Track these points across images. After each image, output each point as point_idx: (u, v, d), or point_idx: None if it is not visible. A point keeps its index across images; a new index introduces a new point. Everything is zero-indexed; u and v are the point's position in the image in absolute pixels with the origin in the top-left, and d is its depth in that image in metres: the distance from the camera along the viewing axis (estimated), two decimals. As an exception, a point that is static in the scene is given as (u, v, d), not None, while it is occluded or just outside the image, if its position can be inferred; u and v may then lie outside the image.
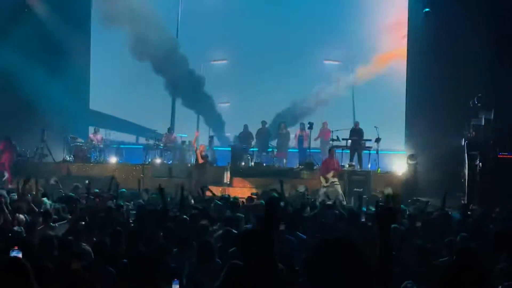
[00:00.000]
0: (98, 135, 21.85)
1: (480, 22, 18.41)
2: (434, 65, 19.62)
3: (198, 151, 18.68)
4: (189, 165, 20.26)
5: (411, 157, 18.43)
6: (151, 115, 22.76)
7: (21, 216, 8.85)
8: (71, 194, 12.96)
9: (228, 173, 19.48)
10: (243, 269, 4.83)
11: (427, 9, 19.78)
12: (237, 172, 19.63)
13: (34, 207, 9.94)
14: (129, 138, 22.02)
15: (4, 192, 12.03)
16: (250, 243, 4.79)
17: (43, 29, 21.79)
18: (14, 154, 19.68)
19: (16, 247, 5.95)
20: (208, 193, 13.73)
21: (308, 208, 10.96)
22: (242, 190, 17.09)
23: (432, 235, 8.88)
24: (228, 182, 19.23)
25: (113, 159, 20.98)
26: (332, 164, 17.01)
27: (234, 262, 5.33)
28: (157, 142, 21.01)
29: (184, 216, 9.25)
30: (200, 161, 18.56)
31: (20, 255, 5.47)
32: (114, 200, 11.56)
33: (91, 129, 22.49)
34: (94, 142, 21.66)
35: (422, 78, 20.22)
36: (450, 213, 11.43)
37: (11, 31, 21.14)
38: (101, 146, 21.64)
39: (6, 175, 19.01)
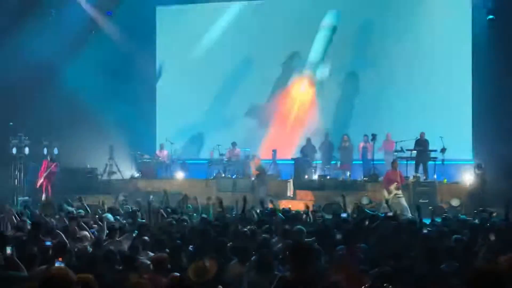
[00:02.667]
0: (164, 151, 22.31)
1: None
2: (500, 72, 19.26)
3: (252, 165, 19.57)
4: (253, 179, 20.42)
5: (478, 167, 18.05)
6: (216, 129, 23.03)
7: (85, 232, 9.15)
8: (135, 209, 13.29)
9: (292, 186, 19.56)
10: (291, 281, 4.92)
11: (491, 16, 19.41)
12: (300, 185, 19.67)
13: (100, 222, 10.27)
14: (193, 153, 22.31)
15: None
16: (298, 255, 4.89)
17: (110, 49, 22.48)
18: (54, 172, 19.87)
19: (60, 258, 6.19)
20: (270, 205, 13.85)
21: (367, 221, 10.87)
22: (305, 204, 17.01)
23: (495, 246, 8.69)
24: (292, 195, 19.31)
25: (179, 175, 21.34)
26: (395, 176, 16.79)
27: (283, 275, 5.42)
28: (221, 157, 21.30)
29: (245, 230, 9.39)
30: (255, 172, 19.23)
31: (63, 265, 5.69)
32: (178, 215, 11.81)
33: (158, 146, 22.97)
34: (160, 158, 22.13)
35: (488, 86, 19.86)
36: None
37: (80, 51, 21.87)
38: (167, 162, 22.09)
39: (44, 194, 19.23)
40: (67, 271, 3.67)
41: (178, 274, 5.90)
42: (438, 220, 12.43)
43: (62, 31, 20.93)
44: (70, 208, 13.04)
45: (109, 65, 22.30)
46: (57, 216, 11.73)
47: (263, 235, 8.95)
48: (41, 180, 19.44)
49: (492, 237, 9.09)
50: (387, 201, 15.10)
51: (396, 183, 16.60)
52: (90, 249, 8.40)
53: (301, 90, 23.52)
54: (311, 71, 23.40)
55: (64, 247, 7.72)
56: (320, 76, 23.26)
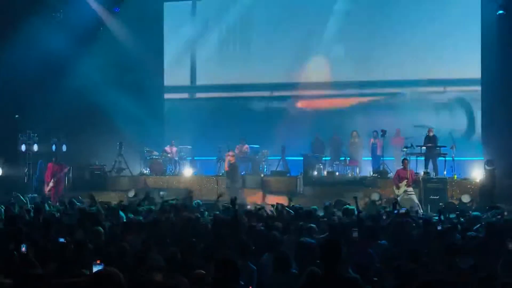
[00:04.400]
0: (173, 148, 22.29)
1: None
2: (510, 68, 19.16)
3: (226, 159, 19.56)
4: (262, 175, 20.39)
5: (488, 163, 17.96)
6: (224, 126, 23.02)
7: (100, 229, 9.13)
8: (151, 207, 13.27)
9: (301, 182, 19.53)
10: (322, 277, 4.96)
11: (500, 11, 19.29)
12: (309, 182, 19.64)
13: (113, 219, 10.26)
14: (202, 150, 22.29)
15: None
16: (330, 252, 4.92)
17: (118, 45, 22.47)
18: (63, 174, 19.52)
19: (98, 261, 6.17)
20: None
21: (384, 217, 10.83)
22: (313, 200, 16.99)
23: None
24: (301, 192, 19.28)
25: (188, 171, 21.32)
26: (404, 174, 16.71)
27: (313, 271, 5.42)
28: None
29: (261, 227, 9.38)
30: (226, 168, 19.39)
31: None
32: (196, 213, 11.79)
33: (166, 142, 22.97)
34: (169, 155, 22.11)
35: (497, 81, 19.76)
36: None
37: (88, 48, 21.85)
38: (176, 158, 22.09)
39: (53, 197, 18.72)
40: (119, 273, 3.65)
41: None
42: (452, 216, 12.36)
43: (70, 28, 20.89)
44: (81, 205, 13.01)
45: (117, 62, 22.30)
46: (70, 213, 11.72)
47: (274, 232, 8.90)
48: (49, 186, 19.06)
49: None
50: (396, 199, 15.02)
51: (406, 180, 16.52)
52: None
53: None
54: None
55: (84, 245, 7.69)
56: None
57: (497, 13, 19.52)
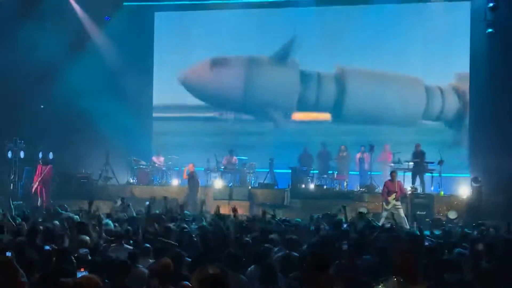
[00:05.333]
0: (161, 158, 22.23)
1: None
2: (498, 86, 19.33)
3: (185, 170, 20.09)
4: (250, 187, 20.37)
5: (475, 179, 18.06)
6: (214, 136, 23.03)
7: (86, 238, 9.06)
8: (134, 215, 13.20)
9: (289, 195, 19.52)
10: None
11: (490, 30, 19.46)
12: (297, 195, 19.64)
13: (98, 228, 10.18)
14: (190, 160, 22.24)
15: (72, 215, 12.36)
16: (316, 265, 4.89)
17: (108, 54, 22.43)
18: (49, 175, 19.68)
19: (82, 268, 6.11)
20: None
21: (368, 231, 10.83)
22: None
23: (497, 259, 8.66)
24: (288, 204, 19.26)
25: (175, 182, 21.27)
26: (393, 187, 16.74)
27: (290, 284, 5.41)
28: (218, 165, 21.23)
29: (247, 239, 9.33)
30: (185, 176, 19.84)
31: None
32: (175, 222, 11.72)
33: (154, 152, 22.90)
34: (156, 164, 22.05)
35: (485, 99, 19.94)
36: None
37: (77, 57, 21.81)
38: (164, 168, 22.02)
39: (40, 199, 19.01)
40: (98, 280, 3.61)
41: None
42: (437, 232, 12.40)
43: (59, 36, 20.87)
44: (67, 213, 12.90)
45: (106, 70, 22.26)
46: (55, 222, 11.60)
47: (265, 245, 8.88)
48: (35, 185, 19.20)
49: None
50: (387, 212, 15.08)
51: (394, 194, 16.52)
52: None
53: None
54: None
55: (68, 254, 7.62)
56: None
57: (487, 32, 19.69)
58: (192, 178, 19.73)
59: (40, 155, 20.52)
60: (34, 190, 19.26)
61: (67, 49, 21.39)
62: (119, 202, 16.81)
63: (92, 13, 22.62)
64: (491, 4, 18.98)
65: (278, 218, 13.86)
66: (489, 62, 19.88)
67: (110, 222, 11.39)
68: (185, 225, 11.06)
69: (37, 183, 19.23)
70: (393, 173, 17.15)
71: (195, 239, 9.74)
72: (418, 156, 19.26)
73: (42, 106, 21.52)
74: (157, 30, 24.82)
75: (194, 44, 23.77)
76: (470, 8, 21.18)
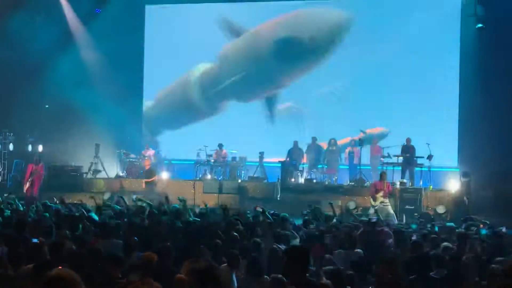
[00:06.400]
0: (150, 151, 22.20)
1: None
2: (487, 81, 19.38)
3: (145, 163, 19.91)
4: (239, 181, 20.39)
5: (464, 174, 18.14)
6: (203, 131, 22.99)
7: (67, 232, 9.09)
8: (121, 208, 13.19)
9: (278, 189, 19.56)
10: (287, 284, 4.96)
11: (480, 25, 19.53)
12: (287, 188, 19.69)
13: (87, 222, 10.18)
14: (180, 153, 22.23)
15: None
16: (296, 259, 4.92)
17: (98, 46, 22.35)
18: (41, 174, 19.50)
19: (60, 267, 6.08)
20: None
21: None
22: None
23: (484, 254, 8.74)
24: (278, 198, 19.30)
25: (164, 175, 21.26)
26: (381, 186, 16.76)
27: (277, 277, 5.44)
28: (208, 158, 21.24)
29: (235, 233, 9.35)
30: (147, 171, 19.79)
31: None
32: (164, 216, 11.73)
33: (144, 145, 22.88)
34: (146, 157, 22.02)
35: (475, 94, 19.97)
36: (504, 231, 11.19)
37: (67, 49, 21.76)
38: (153, 161, 21.99)
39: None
40: (74, 274, 3.60)
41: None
42: (414, 226, 12.49)
43: (49, 29, 20.80)
44: (56, 206, 12.89)
45: (96, 63, 22.20)
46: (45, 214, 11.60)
47: (254, 239, 8.93)
48: (27, 186, 19.01)
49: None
50: (374, 208, 15.14)
51: (382, 191, 16.57)
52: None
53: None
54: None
55: (61, 247, 7.62)
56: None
57: (476, 27, 19.76)
58: (150, 170, 19.77)
59: (30, 147, 20.50)
60: (26, 189, 19.03)
61: (57, 42, 21.31)
62: (107, 196, 16.80)
63: (82, 5, 22.50)
64: (480, -1, 19.11)
65: (267, 211, 13.87)
66: (479, 57, 19.94)
67: (95, 216, 11.39)
68: (174, 219, 11.07)
69: (28, 183, 19.01)
70: (383, 174, 17.13)
71: (184, 233, 9.76)
72: (408, 150, 19.33)
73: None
74: (147, 22, 24.76)
75: (185, 36, 23.70)
76: (460, 3, 21.22)
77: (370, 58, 22.18)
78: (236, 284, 6.98)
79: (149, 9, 24.83)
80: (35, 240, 8.21)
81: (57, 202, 14.34)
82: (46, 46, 20.37)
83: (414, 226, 12.58)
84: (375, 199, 16.58)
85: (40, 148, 20.80)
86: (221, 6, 23.58)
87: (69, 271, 3.64)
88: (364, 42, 22.22)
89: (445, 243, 8.89)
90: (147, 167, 20.17)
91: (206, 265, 5.79)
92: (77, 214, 11.39)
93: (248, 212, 13.52)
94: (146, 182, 19.62)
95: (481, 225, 11.90)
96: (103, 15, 22.92)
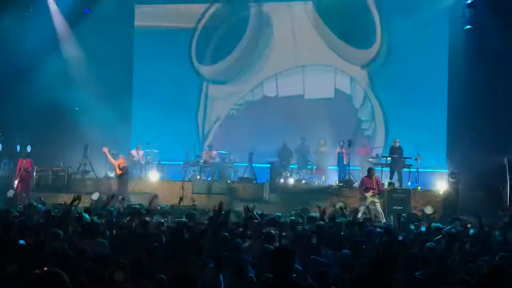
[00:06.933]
0: (140, 152, 22.14)
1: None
2: (475, 82, 19.47)
3: (116, 164, 19.21)
4: (229, 181, 20.39)
5: (452, 175, 18.23)
6: (192, 131, 22.98)
7: (58, 231, 9.04)
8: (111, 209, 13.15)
9: (267, 189, 19.57)
10: (273, 284, 4.99)
11: (468, 26, 19.64)
12: (276, 189, 19.71)
13: (74, 223, 10.13)
14: (169, 154, 22.19)
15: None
16: (281, 259, 4.94)
17: (86, 46, 22.29)
18: (29, 169, 19.47)
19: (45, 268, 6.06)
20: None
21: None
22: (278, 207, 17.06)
23: (470, 254, 8.78)
24: (267, 199, 19.31)
25: (154, 175, 21.21)
26: (370, 183, 16.84)
27: (266, 277, 5.46)
28: (197, 159, 21.22)
29: (225, 234, 9.36)
30: (118, 172, 19.11)
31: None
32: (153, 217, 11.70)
33: (133, 146, 22.83)
34: (135, 158, 21.96)
35: (464, 95, 20.07)
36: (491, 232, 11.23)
37: (55, 49, 21.71)
38: (142, 162, 21.93)
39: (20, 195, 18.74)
40: (61, 273, 3.60)
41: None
42: (412, 227, 12.51)
43: (37, 29, 20.74)
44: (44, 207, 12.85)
45: (85, 63, 22.14)
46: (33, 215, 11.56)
47: (237, 240, 8.94)
48: (16, 181, 19.01)
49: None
50: (364, 208, 15.21)
51: (372, 191, 16.63)
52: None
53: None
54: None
55: (43, 247, 7.60)
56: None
57: (465, 28, 19.85)
58: (126, 172, 19.45)
59: (18, 148, 20.41)
60: (16, 185, 19.02)
61: (46, 42, 21.23)
62: (95, 196, 16.75)
63: (71, 5, 22.40)
64: (468, 1, 19.18)
65: (256, 212, 13.88)
66: (467, 58, 20.03)
67: (87, 216, 11.35)
68: (162, 219, 11.06)
69: (18, 178, 19.04)
70: (370, 170, 17.26)
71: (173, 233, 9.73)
72: (396, 151, 19.40)
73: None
74: (137, 23, 24.73)
75: (174, 37, 23.67)
76: (449, 5, 21.30)
77: (359, 57, 22.35)
78: (223, 286, 6.98)
79: (139, 9, 24.80)
80: (21, 242, 8.17)
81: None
82: (34, 46, 20.28)
83: (412, 227, 12.60)
84: (365, 199, 16.65)
85: (29, 148, 20.70)
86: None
87: (57, 271, 3.64)
88: (352, 40, 22.38)
89: (431, 243, 8.92)
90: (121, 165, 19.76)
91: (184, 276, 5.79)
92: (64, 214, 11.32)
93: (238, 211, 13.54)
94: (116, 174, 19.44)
95: (469, 225, 11.91)
96: (92, 15, 22.85)
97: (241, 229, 10.09)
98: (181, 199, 13.15)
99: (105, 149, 19.63)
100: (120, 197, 15.98)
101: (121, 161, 19.37)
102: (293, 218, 12.34)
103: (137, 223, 10.07)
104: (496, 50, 18.80)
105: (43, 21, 21.28)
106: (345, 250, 8.70)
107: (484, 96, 19.30)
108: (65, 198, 16.16)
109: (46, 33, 21.28)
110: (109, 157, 19.84)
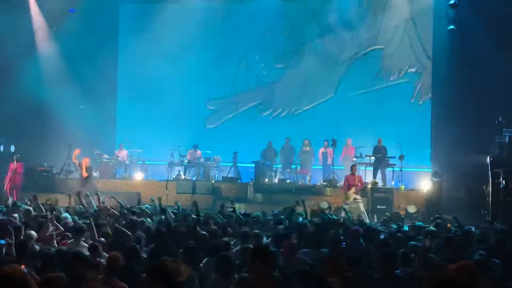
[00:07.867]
0: (124, 151, 22.08)
1: (506, 39, 18.35)
2: (459, 82, 19.57)
3: (83, 165, 19.03)
4: (213, 181, 20.37)
5: (435, 174, 18.32)
6: (177, 131, 22.90)
7: (32, 232, 9.03)
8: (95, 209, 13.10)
9: (252, 189, 19.58)
10: (252, 283, 4.99)
11: (451, 27, 19.74)
12: (260, 189, 19.73)
13: (57, 223, 10.10)
14: (153, 154, 22.12)
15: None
16: (260, 258, 4.95)
17: (71, 46, 22.16)
18: (20, 173, 19.57)
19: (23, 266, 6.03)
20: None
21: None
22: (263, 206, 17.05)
23: (451, 252, 8.82)
24: (252, 198, 19.32)
25: (138, 175, 21.17)
26: (354, 180, 16.91)
27: (243, 276, 5.45)
28: (181, 159, 21.19)
29: (203, 232, 9.35)
30: (85, 175, 18.88)
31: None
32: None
33: (117, 146, 22.78)
34: (119, 158, 21.90)
35: (447, 95, 20.16)
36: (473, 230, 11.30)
37: (37, 49, 21.61)
38: (127, 162, 21.87)
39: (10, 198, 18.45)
40: (22, 271, 3.55)
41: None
42: (394, 226, 12.57)
43: (21, 28, 20.62)
44: (25, 207, 12.76)
45: (69, 63, 22.03)
46: (15, 214, 11.48)
47: (224, 238, 8.95)
48: (6, 184, 18.97)
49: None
50: (344, 208, 15.27)
51: (355, 188, 16.72)
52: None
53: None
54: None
55: (25, 247, 7.57)
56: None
57: (448, 28, 19.95)
58: (90, 175, 19.20)
59: (1, 148, 20.30)
60: (6, 188, 18.97)
61: (29, 41, 21.14)
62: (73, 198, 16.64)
63: (56, 5, 22.26)
64: (451, 1, 19.28)
65: (239, 211, 13.91)
66: (451, 58, 20.12)
67: (69, 216, 11.31)
68: (144, 219, 11.03)
69: (8, 180, 19.01)
70: (353, 167, 17.39)
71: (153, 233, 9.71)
72: (379, 150, 19.48)
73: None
74: (121, 23, 24.66)
75: (159, 37, 23.59)
76: (433, 5, 21.43)
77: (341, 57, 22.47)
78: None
79: (123, 9, 24.73)
80: (2, 242, 8.13)
81: (30, 199, 14.16)
82: (18, 45, 20.20)
83: (394, 226, 12.64)
84: (348, 197, 16.73)
85: (12, 148, 20.58)
86: (196, 6, 23.50)
87: (17, 268, 3.58)
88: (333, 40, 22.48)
89: (413, 242, 8.97)
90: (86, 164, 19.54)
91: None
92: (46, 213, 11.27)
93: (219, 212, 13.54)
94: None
95: (449, 225, 11.97)
96: (77, 14, 22.71)
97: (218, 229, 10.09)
98: (159, 199, 13.07)
99: (86, 160, 19.44)
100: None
101: (86, 162, 19.22)
102: (275, 217, 12.37)
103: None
104: (479, 50, 18.89)
105: (25, 19, 21.14)
106: (323, 249, 8.70)
107: (467, 96, 19.33)
108: (45, 199, 16.08)
109: (30, 32, 21.17)
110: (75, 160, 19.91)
